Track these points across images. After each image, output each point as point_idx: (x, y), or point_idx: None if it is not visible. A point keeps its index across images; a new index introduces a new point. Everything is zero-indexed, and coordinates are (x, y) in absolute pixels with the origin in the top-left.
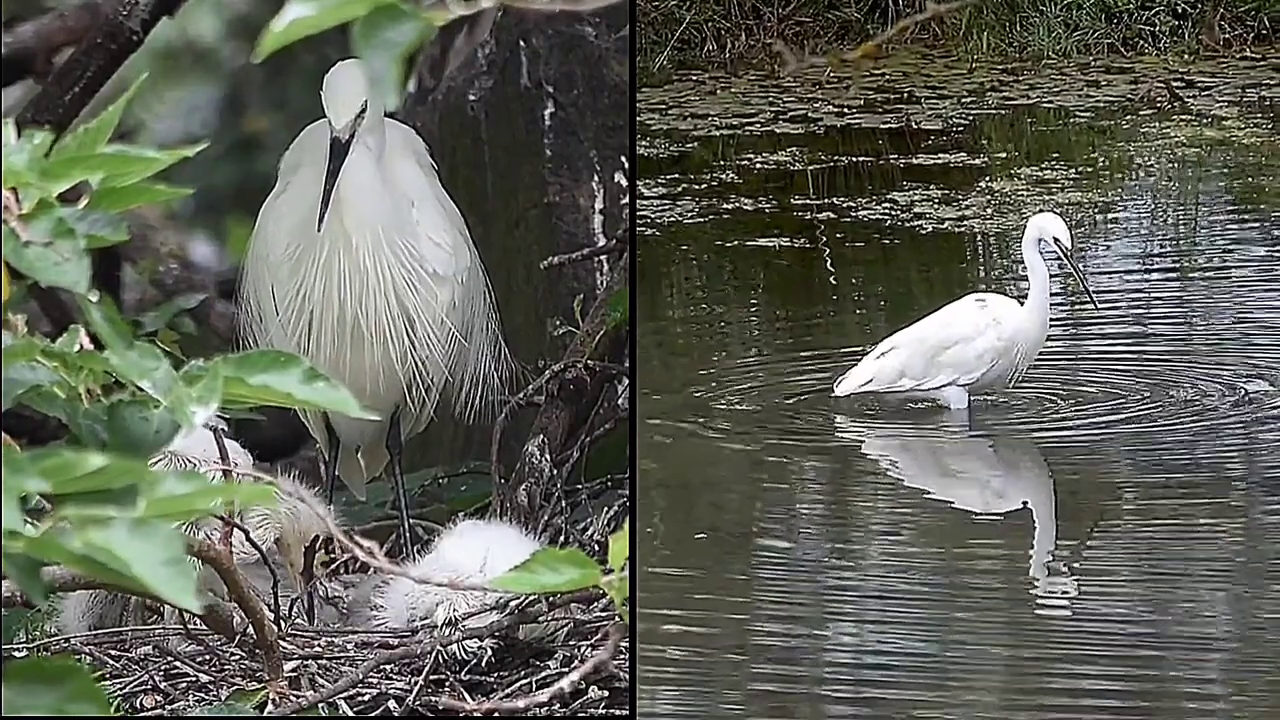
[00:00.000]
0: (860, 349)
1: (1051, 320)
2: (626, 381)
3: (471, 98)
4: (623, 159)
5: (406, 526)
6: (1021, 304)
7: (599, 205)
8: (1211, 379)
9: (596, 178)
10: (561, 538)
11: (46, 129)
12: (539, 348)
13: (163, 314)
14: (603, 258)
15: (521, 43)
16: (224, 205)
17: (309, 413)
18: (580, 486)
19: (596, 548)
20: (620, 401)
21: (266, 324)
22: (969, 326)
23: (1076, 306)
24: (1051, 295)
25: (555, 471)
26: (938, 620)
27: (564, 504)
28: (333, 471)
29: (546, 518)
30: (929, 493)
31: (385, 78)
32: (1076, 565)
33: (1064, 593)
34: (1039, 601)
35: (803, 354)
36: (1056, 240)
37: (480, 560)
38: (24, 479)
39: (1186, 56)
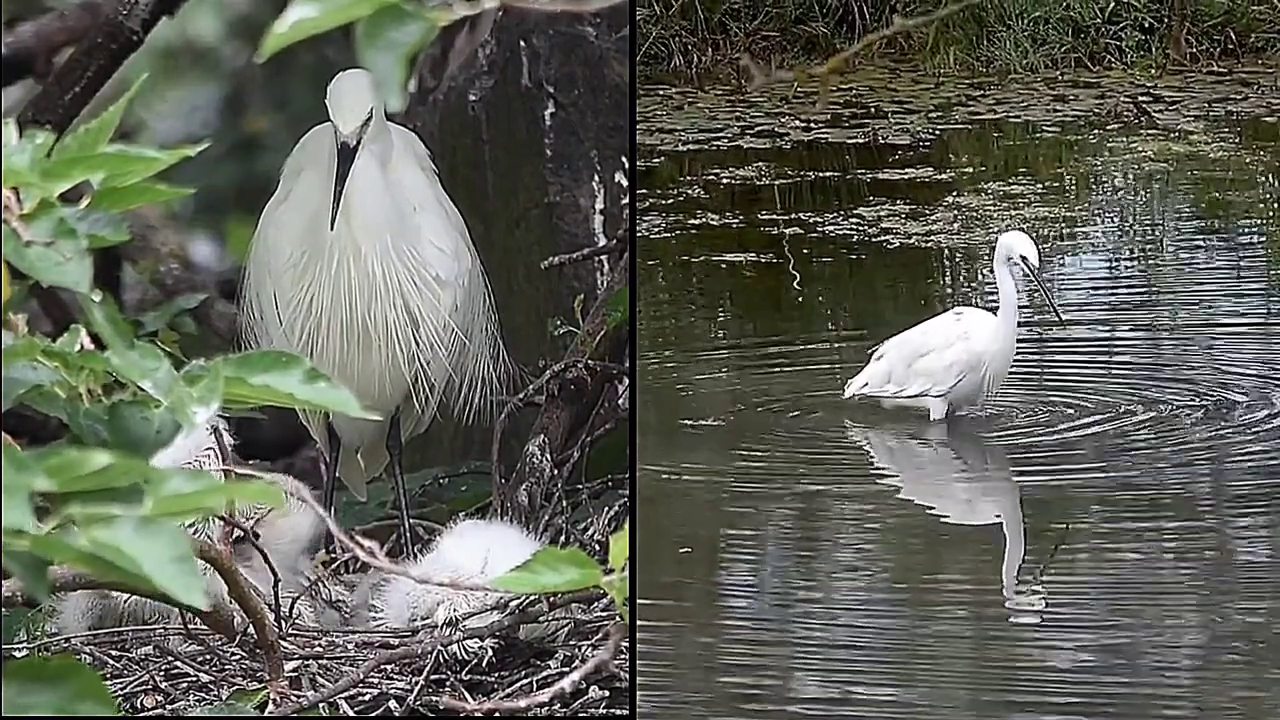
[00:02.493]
0: (829, 364)
1: (1019, 334)
2: (627, 381)
3: (472, 98)
4: (623, 159)
5: (407, 526)
6: None
7: (599, 205)
8: (1178, 392)
9: (597, 178)
10: (562, 538)
11: (46, 129)
12: (539, 348)
13: (163, 314)
14: (603, 258)
15: (522, 43)
16: (225, 205)
17: (309, 413)
18: (581, 486)
19: (597, 548)
20: (620, 401)
21: (269, 329)
22: (941, 338)
23: (1044, 317)
24: (1021, 310)
25: (556, 471)
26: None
27: (564, 504)
28: (333, 472)
29: (547, 518)
30: (901, 501)
31: (390, 79)
32: (1044, 579)
33: (1032, 606)
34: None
35: (769, 369)
36: (1024, 258)
37: (481, 560)
38: (29, 477)
39: (1153, 71)
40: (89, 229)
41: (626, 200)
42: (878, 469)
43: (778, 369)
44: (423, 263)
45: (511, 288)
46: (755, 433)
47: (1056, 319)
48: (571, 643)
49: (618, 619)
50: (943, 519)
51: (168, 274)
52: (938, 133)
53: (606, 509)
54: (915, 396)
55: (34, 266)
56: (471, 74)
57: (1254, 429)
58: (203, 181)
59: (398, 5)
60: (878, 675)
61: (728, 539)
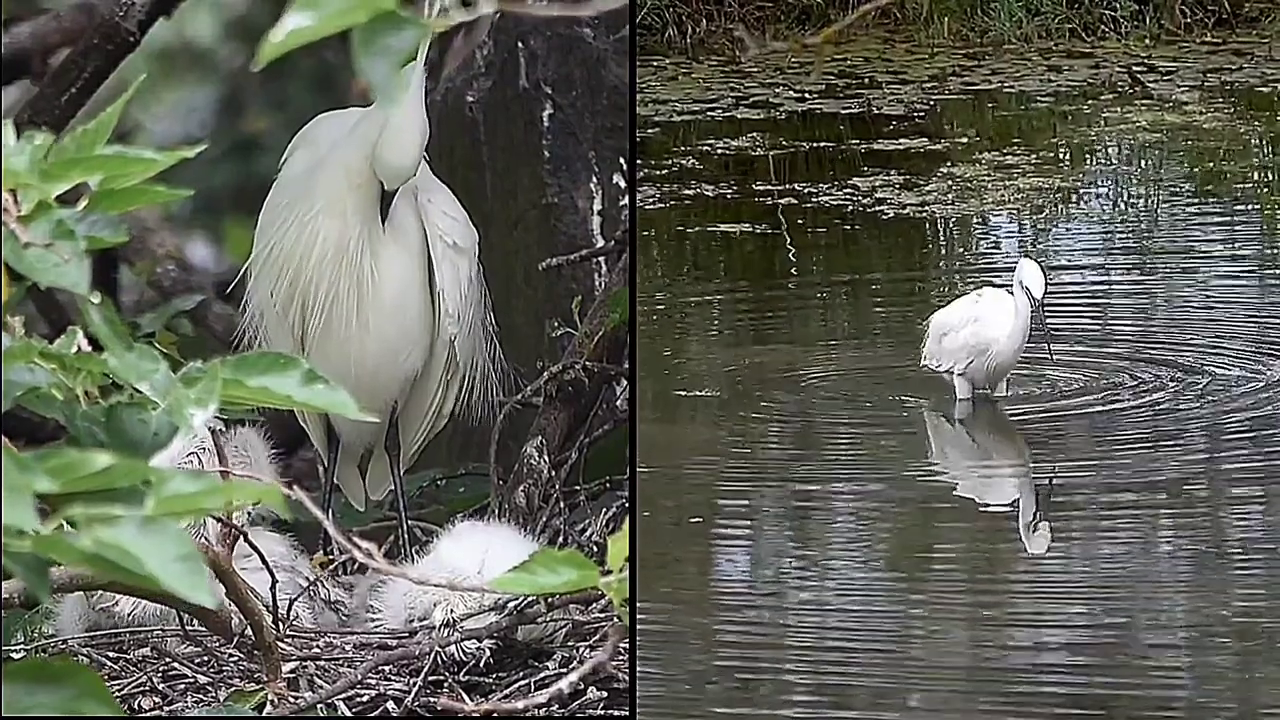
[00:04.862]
0: (823, 334)
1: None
2: (625, 382)
3: (470, 99)
4: (621, 160)
5: (405, 528)
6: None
7: (597, 206)
8: (1173, 363)
9: (595, 179)
10: (560, 539)
11: (44, 130)
12: (538, 349)
13: (161, 316)
14: (601, 259)
15: (520, 44)
16: (222, 207)
17: (306, 414)
18: (579, 487)
19: (595, 549)
20: (619, 402)
21: (272, 326)
22: (958, 318)
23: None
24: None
25: (554, 472)
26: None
27: (562, 505)
28: (331, 474)
29: (545, 519)
30: (900, 474)
31: (386, 85)
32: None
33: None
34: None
35: (764, 339)
36: (1028, 288)
37: (478, 561)
38: (31, 478)
39: (1148, 41)
40: (87, 230)
41: (625, 201)
42: (875, 440)
43: (772, 339)
44: (439, 231)
45: (510, 289)
46: (750, 403)
47: (1047, 354)
48: (570, 644)
49: (616, 620)
50: (941, 489)
51: (165, 275)
52: (932, 103)
53: (605, 510)
54: (948, 372)
55: (32, 268)
56: (469, 75)
57: (1249, 398)
58: (200, 183)
59: (393, 12)
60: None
61: (722, 512)
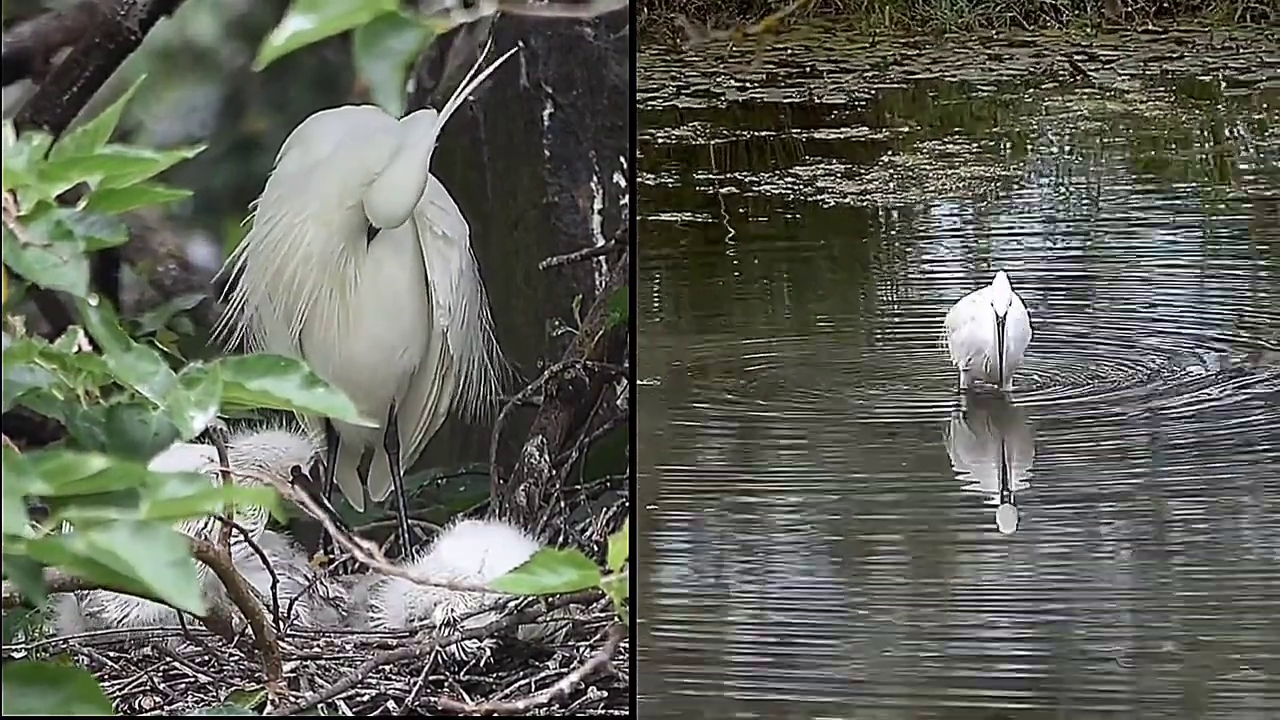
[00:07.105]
0: (764, 323)
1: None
2: (625, 382)
3: (470, 99)
4: (622, 159)
5: (405, 527)
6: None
7: (598, 206)
8: (1114, 352)
9: (595, 178)
10: (560, 538)
11: (44, 129)
12: (538, 348)
13: (161, 315)
14: (602, 258)
15: (520, 44)
16: (223, 206)
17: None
18: (579, 487)
19: (596, 548)
20: (619, 402)
21: (266, 310)
22: (957, 317)
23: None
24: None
25: (554, 472)
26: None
27: (563, 504)
28: (331, 473)
29: (545, 518)
30: (843, 465)
31: (388, 87)
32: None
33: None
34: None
35: (705, 329)
36: (992, 304)
37: (479, 561)
38: (26, 481)
39: (1089, 30)
40: (85, 231)
41: (625, 200)
42: (816, 430)
43: (713, 329)
44: (429, 222)
45: (510, 288)
46: (691, 393)
47: (1000, 381)
48: (570, 643)
49: (616, 620)
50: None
51: (166, 275)
52: (873, 92)
53: (605, 509)
54: (956, 366)
55: (30, 268)
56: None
57: (1190, 390)
58: (201, 183)
59: (395, 13)
60: (822, 639)
61: (666, 502)
